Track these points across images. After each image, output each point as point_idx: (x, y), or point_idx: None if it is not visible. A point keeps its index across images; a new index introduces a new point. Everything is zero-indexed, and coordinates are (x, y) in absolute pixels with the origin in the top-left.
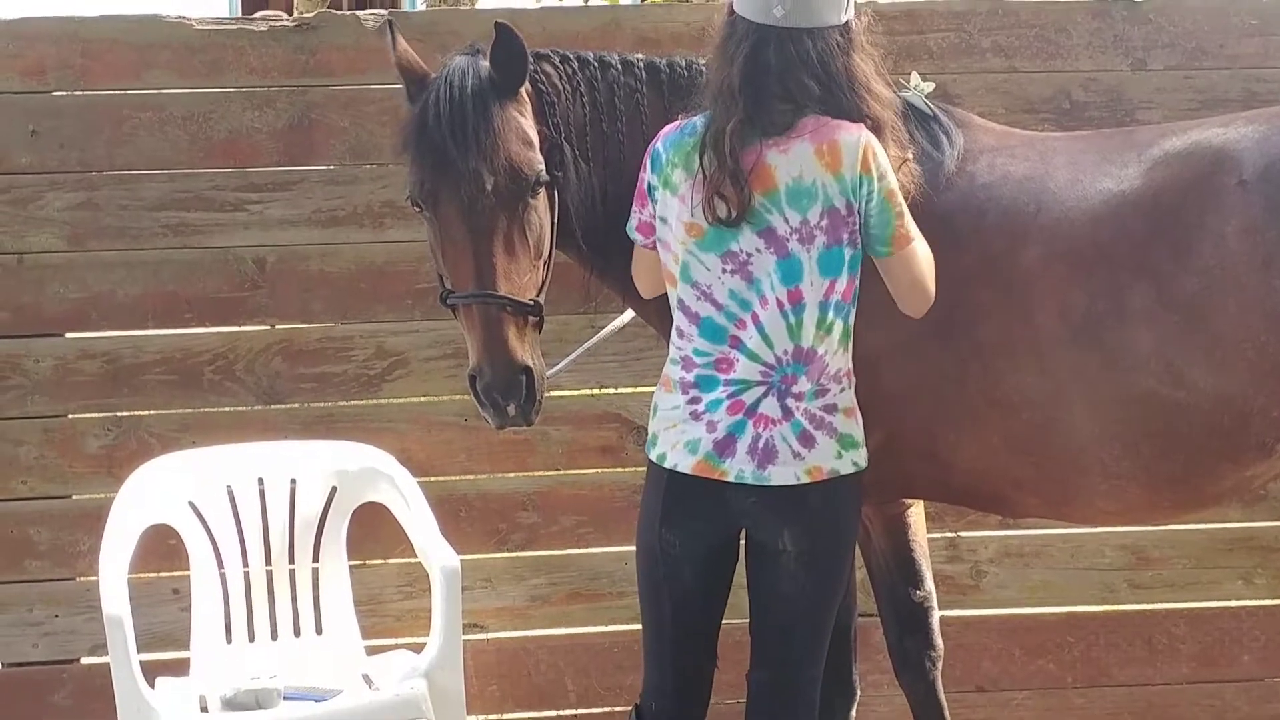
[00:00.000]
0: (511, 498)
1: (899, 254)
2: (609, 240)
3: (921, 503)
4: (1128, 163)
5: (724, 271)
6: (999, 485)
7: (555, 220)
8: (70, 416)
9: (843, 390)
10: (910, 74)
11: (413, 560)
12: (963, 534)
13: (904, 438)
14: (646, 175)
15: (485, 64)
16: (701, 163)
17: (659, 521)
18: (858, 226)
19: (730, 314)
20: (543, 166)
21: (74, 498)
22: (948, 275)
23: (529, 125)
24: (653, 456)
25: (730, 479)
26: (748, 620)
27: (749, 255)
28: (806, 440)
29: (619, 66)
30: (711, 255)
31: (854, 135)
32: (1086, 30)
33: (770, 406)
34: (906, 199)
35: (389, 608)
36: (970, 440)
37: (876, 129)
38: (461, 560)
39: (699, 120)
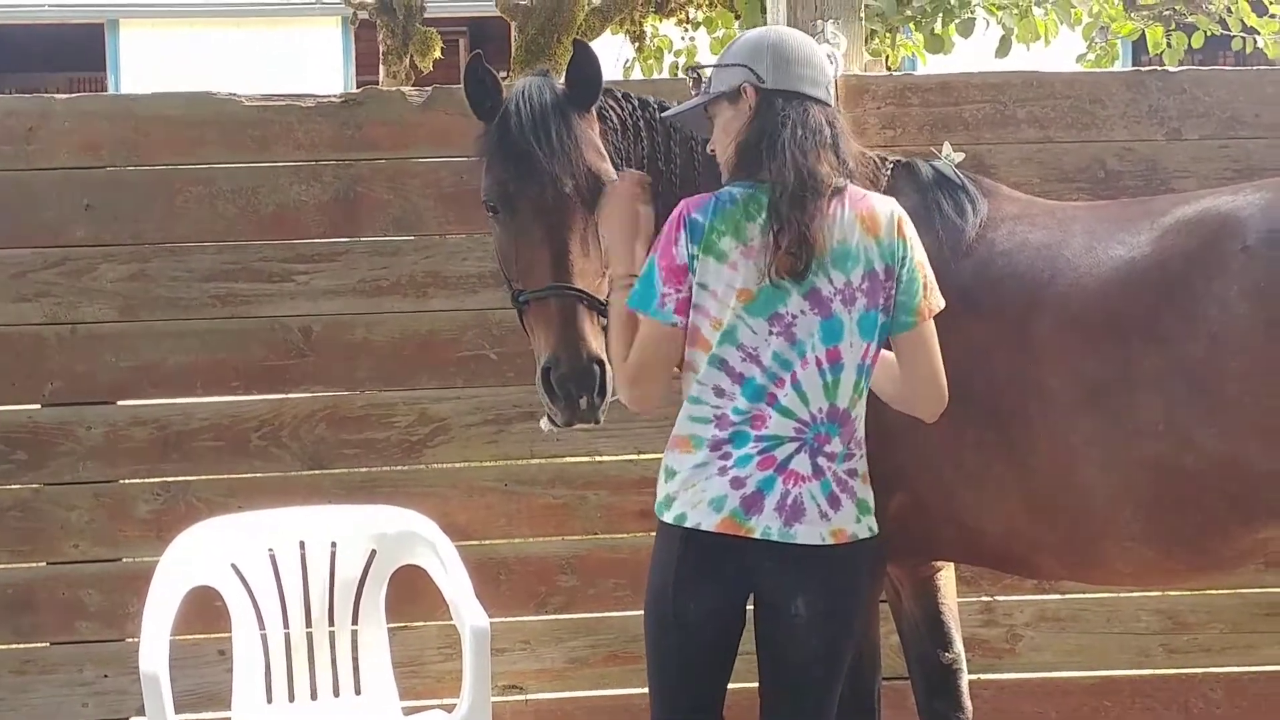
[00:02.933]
0: (551, 561)
1: (922, 326)
2: None
3: (952, 566)
4: (1140, 230)
5: (770, 334)
6: (1019, 547)
7: None
8: (121, 482)
9: (861, 456)
10: (942, 144)
11: (452, 622)
12: (999, 598)
13: (925, 501)
14: (680, 248)
15: (558, 83)
16: (771, 225)
17: (672, 587)
18: (893, 293)
19: (772, 374)
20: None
21: (124, 561)
22: (966, 340)
23: (599, 140)
24: (668, 519)
25: (756, 536)
26: (756, 683)
27: (794, 317)
28: (833, 502)
29: None
30: (759, 319)
31: (887, 204)
32: (1121, 101)
33: (802, 463)
34: None
35: (429, 669)
36: (989, 503)
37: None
38: (501, 623)
39: (734, 191)
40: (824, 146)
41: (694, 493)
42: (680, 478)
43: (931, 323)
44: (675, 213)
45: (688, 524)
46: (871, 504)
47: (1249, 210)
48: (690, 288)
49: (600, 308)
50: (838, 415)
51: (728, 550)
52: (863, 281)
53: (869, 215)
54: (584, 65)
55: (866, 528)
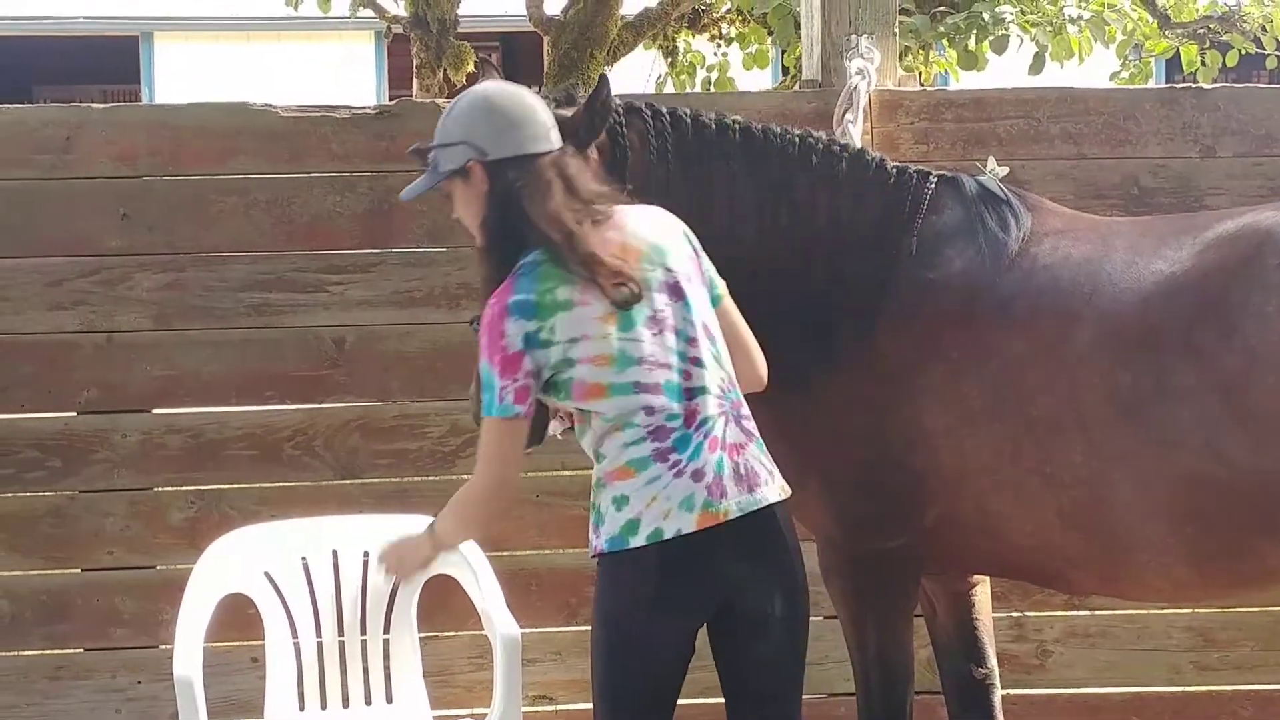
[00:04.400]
0: (581, 572)
1: (727, 296)
2: None
3: (987, 581)
4: (1182, 245)
5: (653, 335)
6: (1053, 561)
7: None
8: (155, 489)
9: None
10: (987, 158)
11: (483, 632)
12: (1028, 614)
13: (960, 513)
14: (510, 338)
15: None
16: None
17: (649, 605)
18: (702, 266)
19: (679, 369)
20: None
21: (158, 568)
22: (1005, 354)
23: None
24: (639, 542)
25: (733, 515)
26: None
27: (663, 311)
28: (768, 457)
29: (714, 126)
30: (637, 328)
31: (656, 209)
32: (1155, 117)
33: (733, 433)
34: None
35: (460, 678)
36: (1023, 516)
37: None
38: (531, 633)
39: (528, 258)
40: (561, 203)
41: (660, 504)
42: (634, 501)
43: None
44: (489, 313)
45: (666, 536)
46: None
47: None
48: (527, 374)
49: None
50: (732, 381)
51: (701, 556)
52: (685, 264)
53: (652, 218)
54: (594, 100)
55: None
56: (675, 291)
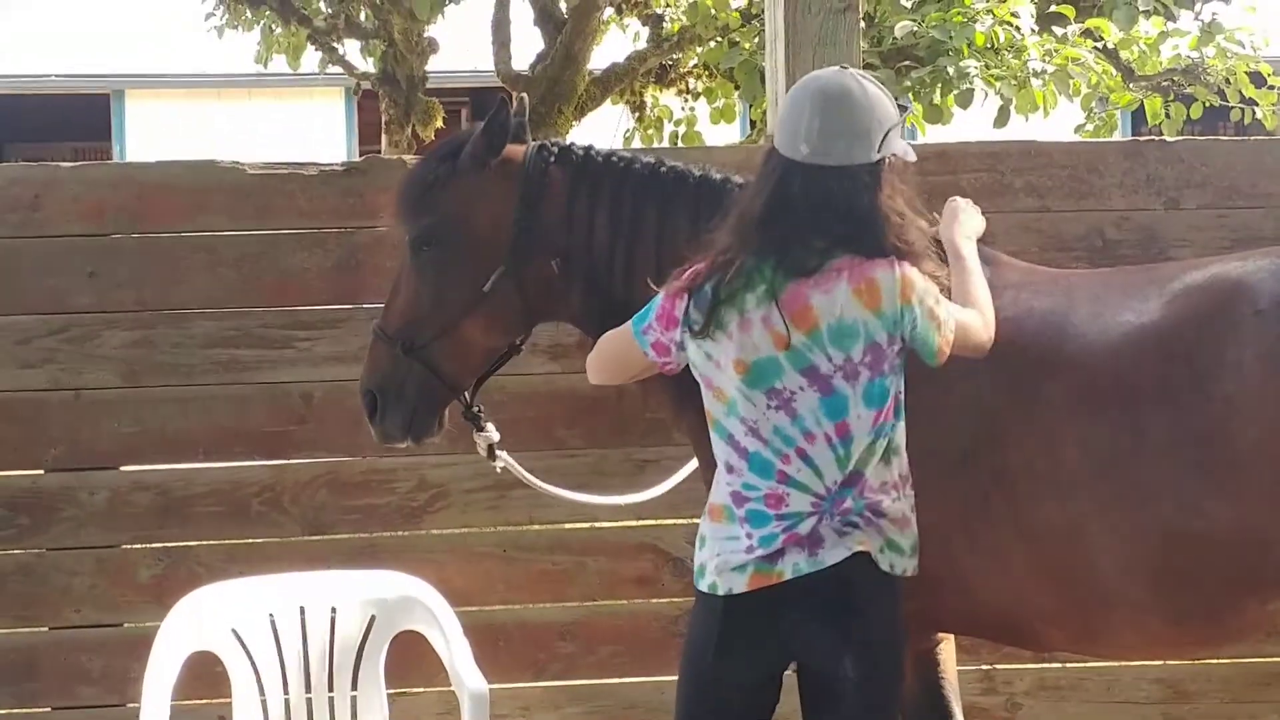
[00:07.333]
0: (549, 628)
1: (946, 354)
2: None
3: (952, 638)
4: (1149, 296)
5: (768, 408)
6: (1025, 617)
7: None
8: (123, 547)
9: (894, 501)
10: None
11: (451, 689)
12: (998, 666)
13: (931, 569)
14: (680, 306)
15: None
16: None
17: (712, 650)
18: (899, 351)
19: (776, 449)
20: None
21: (125, 626)
22: (972, 406)
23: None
24: (703, 587)
25: (788, 576)
26: None
27: (792, 393)
28: (851, 525)
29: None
30: (756, 392)
31: (889, 270)
32: (1119, 170)
33: (824, 529)
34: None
35: None
36: (996, 571)
37: (911, 255)
38: (499, 689)
39: (751, 262)
40: (814, 214)
41: (720, 561)
42: (709, 547)
43: (957, 332)
44: (692, 270)
45: (720, 593)
46: (905, 547)
47: (1260, 275)
48: (674, 342)
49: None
50: (850, 480)
51: (766, 614)
52: (865, 356)
53: (869, 288)
54: (490, 120)
55: (889, 563)
56: (820, 383)
